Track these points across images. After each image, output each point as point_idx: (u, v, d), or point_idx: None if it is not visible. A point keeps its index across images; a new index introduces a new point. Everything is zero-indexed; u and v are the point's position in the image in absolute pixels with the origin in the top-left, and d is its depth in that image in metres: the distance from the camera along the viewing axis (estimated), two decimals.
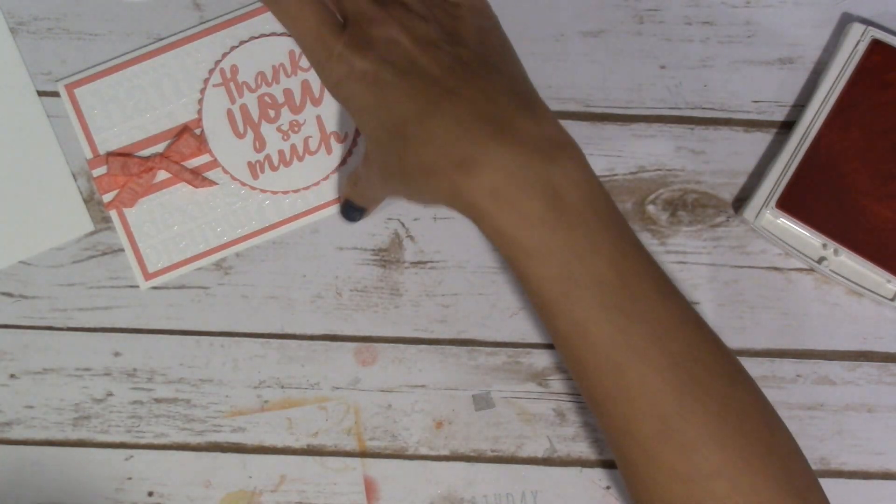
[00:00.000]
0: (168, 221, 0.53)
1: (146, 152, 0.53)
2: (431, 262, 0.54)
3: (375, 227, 0.54)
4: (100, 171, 0.53)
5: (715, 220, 0.54)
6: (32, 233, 0.53)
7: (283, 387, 0.53)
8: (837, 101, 0.52)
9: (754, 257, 0.54)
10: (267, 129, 0.54)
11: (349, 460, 0.53)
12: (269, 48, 0.54)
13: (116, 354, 0.53)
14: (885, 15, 0.54)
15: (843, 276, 0.52)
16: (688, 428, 0.37)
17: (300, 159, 0.54)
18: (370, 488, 0.54)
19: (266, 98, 0.54)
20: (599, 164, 0.54)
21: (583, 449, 0.53)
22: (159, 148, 0.53)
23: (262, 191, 0.53)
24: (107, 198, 0.53)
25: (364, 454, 0.53)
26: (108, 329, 0.53)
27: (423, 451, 0.53)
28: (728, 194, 0.54)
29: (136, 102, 0.53)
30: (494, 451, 0.53)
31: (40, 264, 0.53)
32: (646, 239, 0.54)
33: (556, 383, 0.53)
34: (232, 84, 0.54)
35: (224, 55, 0.54)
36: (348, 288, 0.54)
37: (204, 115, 0.53)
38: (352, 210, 0.50)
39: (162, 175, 0.53)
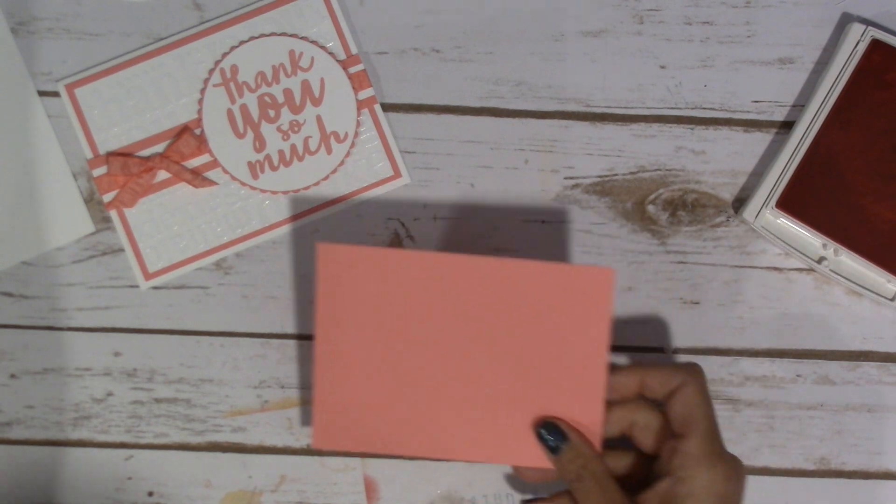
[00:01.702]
0: (168, 221, 0.53)
1: (146, 152, 0.53)
2: None
3: (375, 226, 0.54)
4: (100, 171, 0.53)
5: (715, 220, 0.54)
6: (33, 233, 0.53)
7: (283, 387, 0.53)
8: (837, 101, 0.52)
9: (754, 257, 0.54)
10: (267, 129, 0.54)
11: (349, 460, 0.53)
12: (269, 48, 0.54)
13: (116, 354, 0.53)
14: (885, 15, 0.54)
15: (843, 276, 0.52)
16: None
17: (300, 159, 0.54)
18: (370, 488, 0.54)
19: (266, 98, 0.54)
20: (599, 165, 0.54)
21: None
22: (159, 148, 0.53)
23: (262, 191, 0.53)
24: (107, 198, 0.53)
25: (364, 454, 0.53)
26: (108, 329, 0.53)
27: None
28: (728, 194, 0.54)
29: (136, 102, 0.53)
30: None
31: (41, 264, 0.53)
32: (646, 239, 0.54)
33: None
34: (232, 84, 0.54)
35: (224, 55, 0.54)
36: None
37: (204, 115, 0.53)
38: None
39: (162, 175, 0.53)
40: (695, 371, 0.46)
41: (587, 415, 0.47)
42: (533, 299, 0.47)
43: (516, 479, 0.53)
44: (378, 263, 0.47)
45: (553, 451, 0.46)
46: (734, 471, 0.44)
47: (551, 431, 0.46)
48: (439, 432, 0.48)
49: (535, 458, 0.47)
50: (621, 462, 0.48)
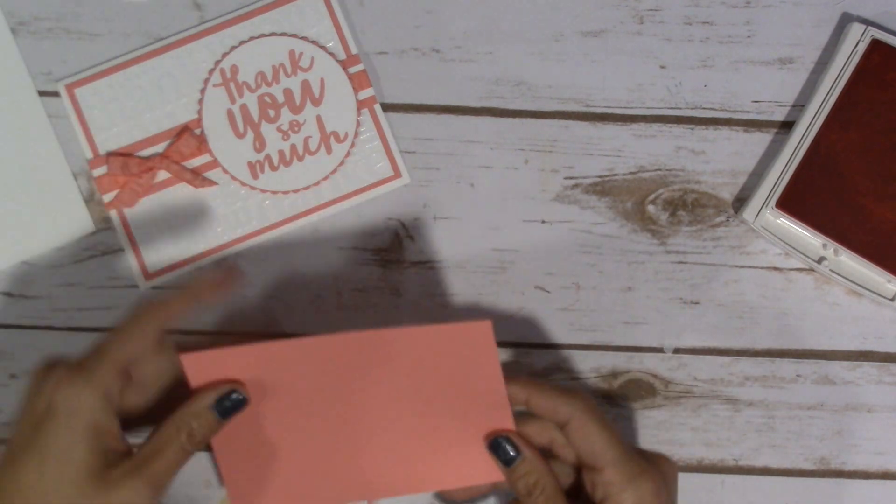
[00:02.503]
0: (168, 221, 0.53)
1: (146, 152, 0.53)
2: (431, 262, 0.54)
3: (375, 227, 0.54)
4: (100, 171, 0.53)
5: (715, 220, 0.54)
6: (33, 233, 0.53)
7: None
8: (837, 101, 0.52)
9: (754, 257, 0.54)
10: (267, 129, 0.54)
11: None
12: (269, 48, 0.54)
13: None
14: (885, 15, 0.54)
15: (843, 276, 0.52)
16: None
17: (300, 159, 0.54)
18: None
19: (266, 98, 0.54)
20: (599, 165, 0.54)
21: None
22: (159, 148, 0.53)
23: (262, 191, 0.53)
24: (107, 198, 0.53)
25: None
26: (108, 329, 0.53)
27: None
28: (728, 194, 0.54)
29: (136, 102, 0.53)
30: None
31: (41, 264, 0.53)
32: (646, 239, 0.54)
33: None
34: (232, 84, 0.54)
35: (224, 55, 0.54)
36: (348, 288, 0.54)
37: (204, 115, 0.53)
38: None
39: (162, 175, 0.53)
40: (582, 401, 0.45)
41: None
42: (421, 362, 0.46)
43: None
44: (249, 362, 0.45)
45: (507, 463, 0.46)
46: (660, 481, 0.44)
47: (506, 444, 0.46)
48: (361, 478, 0.47)
49: (460, 478, 0.48)
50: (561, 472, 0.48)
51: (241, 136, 0.54)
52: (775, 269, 0.54)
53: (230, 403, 0.45)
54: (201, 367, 0.45)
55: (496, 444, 0.46)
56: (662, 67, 0.55)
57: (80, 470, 0.41)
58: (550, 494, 0.45)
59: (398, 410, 0.47)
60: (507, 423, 0.47)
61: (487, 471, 0.47)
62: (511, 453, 0.46)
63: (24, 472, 0.41)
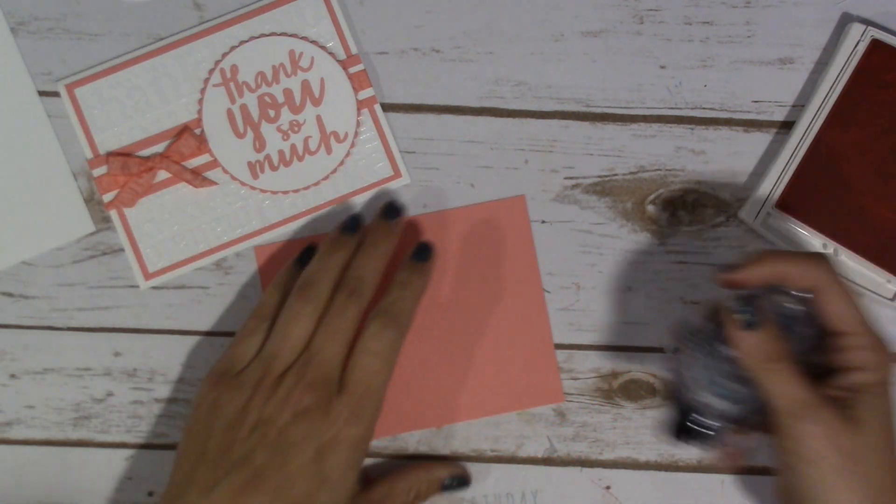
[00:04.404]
0: (168, 221, 0.53)
1: (146, 152, 0.53)
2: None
3: None
4: (100, 171, 0.53)
5: (715, 220, 0.54)
6: (33, 233, 0.53)
7: None
8: (837, 101, 0.52)
9: None
10: (267, 129, 0.54)
11: None
12: (269, 48, 0.54)
13: (116, 354, 0.53)
14: (885, 15, 0.54)
15: (843, 277, 0.52)
16: None
17: (300, 159, 0.54)
18: None
19: (266, 98, 0.54)
20: (599, 165, 0.54)
21: (583, 449, 0.53)
22: (159, 148, 0.53)
23: (262, 191, 0.53)
24: (107, 198, 0.53)
25: None
26: (108, 329, 0.53)
27: (423, 450, 0.53)
28: (728, 194, 0.54)
29: (136, 102, 0.53)
30: (494, 451, 0.53)
31: (41, 264, 0.53)
32: (646, 239, 0.54)
33: None
34: (232, 84, 0.54)
35: (224, 55, 0.54)
36: None
37: (204, 115, 0.53)
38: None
39: (162, 175, 0.53)
40: (828, 267, 0.43)
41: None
42: (466, 238, 0.53)
43: (516, 479, 0.53)
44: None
45: (749, 325, 0.42)
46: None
47: (748, 303, 0.43)
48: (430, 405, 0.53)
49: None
50: None
51: (241, 136, 0.54)
52: None
53: (455, 484, 0.51)
54: (270, 255, 0.53)
55: (737, 306, 0.43)
56: (662, 67, 0.55)
57: (347, 498, 0.45)
58: (788, 362, 0.42)
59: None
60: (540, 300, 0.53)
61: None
62: (752, 316, 0.42)
63: (299, 490, 0.44)
